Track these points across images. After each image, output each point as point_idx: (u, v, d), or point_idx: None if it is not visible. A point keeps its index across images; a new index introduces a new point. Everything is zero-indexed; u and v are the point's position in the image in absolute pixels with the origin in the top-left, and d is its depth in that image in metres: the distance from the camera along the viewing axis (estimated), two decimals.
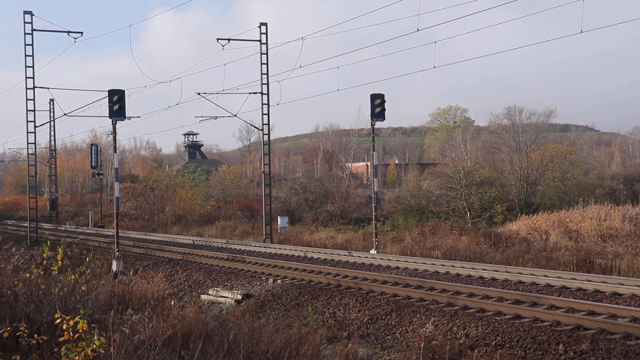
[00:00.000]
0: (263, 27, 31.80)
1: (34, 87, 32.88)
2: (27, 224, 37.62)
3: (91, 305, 11.52)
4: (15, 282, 11.76)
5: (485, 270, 18.37)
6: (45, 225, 49.71)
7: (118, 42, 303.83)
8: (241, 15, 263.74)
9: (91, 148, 46.77)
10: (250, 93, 32.62)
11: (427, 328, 11.57)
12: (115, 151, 23.29)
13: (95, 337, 7.17)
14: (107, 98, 22.19)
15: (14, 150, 74.39)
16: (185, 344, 10.00)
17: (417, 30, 21.89)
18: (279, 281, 17.98)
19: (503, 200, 41.05)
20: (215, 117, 34.47)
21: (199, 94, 32.16)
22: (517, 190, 46.06)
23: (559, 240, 27.88)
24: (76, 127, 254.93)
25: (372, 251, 24.67)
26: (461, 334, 11.87)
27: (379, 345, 12.30)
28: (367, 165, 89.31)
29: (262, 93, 31.82)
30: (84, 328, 7.31)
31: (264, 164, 33.61)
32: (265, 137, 32.70)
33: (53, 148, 56.85)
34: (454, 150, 77.17)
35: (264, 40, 31.74)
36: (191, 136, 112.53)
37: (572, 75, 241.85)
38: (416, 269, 19.54)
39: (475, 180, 39.78)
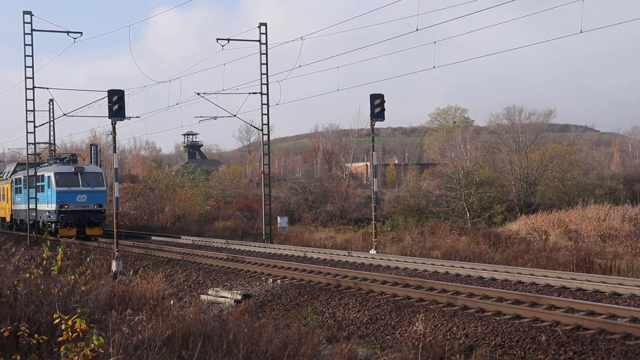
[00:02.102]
0: (262, 27, 31.83)
1: (34, 87, 32.88)
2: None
3: (91, 305, 11.53)
4: (15, 282, 11.77)
5: (484, 270, 18.38)
6: None
7: (120, 41, 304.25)
8: (247, 14, 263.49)
9: (91, 148, 46.78)
10: (250, 93, 32.66)
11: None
12: (114, 151, 23.28)
13: (94, 337, 7.17)
14: (107, 98, 22.20)
15: (13, 150, 74.34)
16: (185, 343, 10.00)
17: (417, 30, 21.90)
18: (278, 281, 17.98)
19: (502, 200, 41.10)
20: (215, 117, 34.52)
21: (198, 94, 32.21)
22: (517, 190, 46.09)
23: (558, 240, 27.90)
24: (76, 127, 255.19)
25: (372, 251, 24.68)
26: (461, 334, 11.88)
27: (379, 346, 12.31)
28: (366, 165, 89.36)
29: (261, 93, 31.83)
30: (82, 327, 7.32)
31: (264, 164, 33.61)
32: (265, 137, 32.70)
33: (53, 148, 56.85)
34: (453, 151, 77.18)
35: (263, 41, 31.76)
36: (191, 136, 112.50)
37: (573, 75, 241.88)
38: (416, 269, 19.55)
39: (475, 180, 39.82)
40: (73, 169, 33.49)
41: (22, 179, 37.79)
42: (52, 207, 32.68)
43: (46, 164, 37.00)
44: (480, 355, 10.67)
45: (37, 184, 34.46)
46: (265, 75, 31.83)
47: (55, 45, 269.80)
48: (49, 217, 32.96)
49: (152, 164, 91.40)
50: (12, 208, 40.29)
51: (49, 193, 32.64)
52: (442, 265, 19.88)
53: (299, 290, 16.40)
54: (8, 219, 41.71)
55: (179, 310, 12.33)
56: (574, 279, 16.28)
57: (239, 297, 16.93)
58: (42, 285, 11.59)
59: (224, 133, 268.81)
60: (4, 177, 43.70)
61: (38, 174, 34.79)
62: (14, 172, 41.99)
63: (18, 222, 39.62)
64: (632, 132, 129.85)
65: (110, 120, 22.35)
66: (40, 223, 34.60)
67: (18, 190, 38.84)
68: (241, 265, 21.21)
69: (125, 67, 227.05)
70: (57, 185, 32.69)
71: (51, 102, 51.99)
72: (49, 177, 33.19)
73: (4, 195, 42.47)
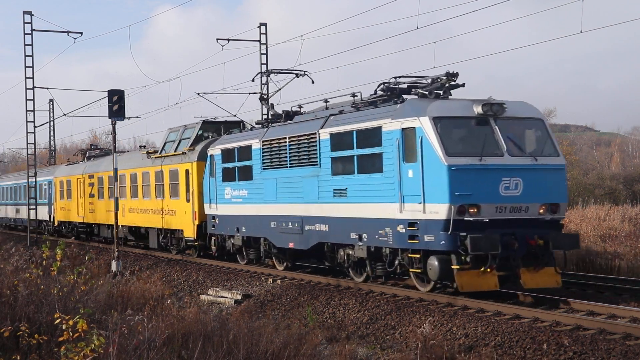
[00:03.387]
0: (263, 27, 31.87)
1: (34, 87, 32.87)
2: None
3: (91, 305, 11.54)
4: (15, 282, 11.78)
5: None
6: None
7: (120, 41, 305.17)
8: (249, 14, 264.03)
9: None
10: (249, 93, 32.60)
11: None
12: (114, 151, 23.27)
13: (95, 337, 7.18)
14: (107, 98, 22.20)
15: (13, 150, 74.37)
16: (185, 344, 10.01)
17: (417, 28, 21.83)
18: (278, 281, 17.98)
19: None
20: (215, 117, 34.43)
21: (198, 94, 32.09)
22: None
23: None
24: (76, 127, 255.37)
25: None
26: (461, 334, 11.87)
27: (378, 346, 12.30)
28: None
29: (261, 93, 31.82)
30: (83, 328, 7.33)
31: None
32: None
33: (53, 148, 56.89)
34: None
35: (263, 40, 31.80)
36: None
37: (573, 74, 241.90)
38: None
39: None
40: (479, 110, 13.02)
41: (259, 149, 18.13)
42: (435, 211, 12.78)
43: (373, 104, 15.25)
44: (480, 355, 10.67)
45: (362, 151, 14.65)
46: None
47: (55, 45, 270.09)
48: (427, 238, 13.10)
49: None
50: (208, 212, 21.09)
51: (410, 174, 13.22)
52: None
53: (299, 291, 16.39)
54: (190, 234, 22.13)
55: (179, 310, 12.35)
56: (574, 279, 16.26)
57: (239, 297, 16.92)
58: (42, 285, 11.60)
59: None
60: (171, 151, 23.66)
61: (358, 126, 14.67)
62: (199, 138, 22.97)
63: (236, 243, 19.87)
64: (632, 132, 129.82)
65: (110, 120, 22.35)
66: (361, 252, 15.23)
67: (230, 175, 19.35)
68: (241, 265, 21.19)
69: (126, 67, 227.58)
70: (447, 154, 12.63)
71: (51, 102, 52.06)
72: (417, 130, 13.03)
73: (174, 187, 23.05)
